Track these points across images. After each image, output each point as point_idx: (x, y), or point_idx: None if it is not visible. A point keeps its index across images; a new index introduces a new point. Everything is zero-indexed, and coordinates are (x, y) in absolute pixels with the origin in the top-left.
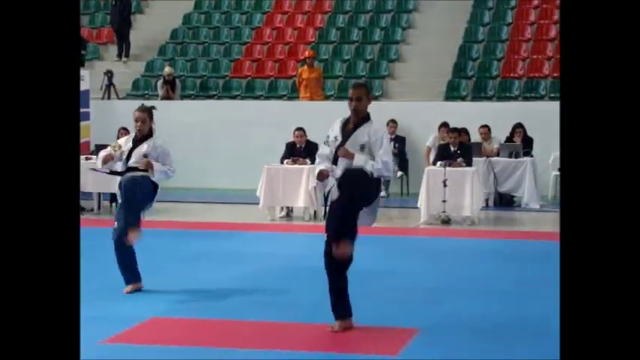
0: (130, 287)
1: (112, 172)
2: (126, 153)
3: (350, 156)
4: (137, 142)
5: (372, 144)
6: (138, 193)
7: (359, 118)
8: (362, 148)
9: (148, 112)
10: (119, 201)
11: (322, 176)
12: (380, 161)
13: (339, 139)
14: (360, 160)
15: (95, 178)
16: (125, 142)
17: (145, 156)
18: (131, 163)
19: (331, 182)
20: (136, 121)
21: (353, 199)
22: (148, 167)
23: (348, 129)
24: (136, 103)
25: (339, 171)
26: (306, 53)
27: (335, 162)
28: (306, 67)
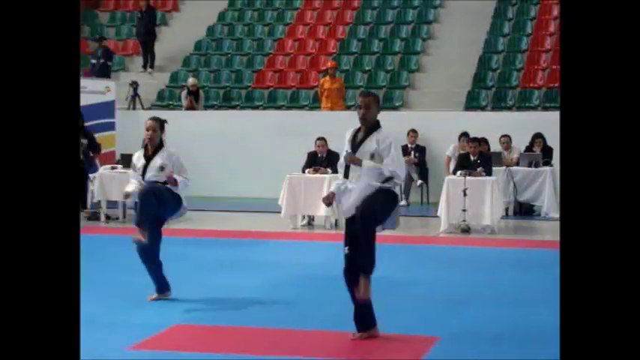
0: (155, 295)
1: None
2: (140, 169)
3: (357, 161)
4: (150, 156)
5: (380, 151)
6: (154, 201)
7: (368, 127)
8: (372, 157)
9: (160, 122)
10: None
11: (326, 202)
12: (387, 171)
13: (349, 150)
14: (368, 164)
15: (120, 187)
16: (137, 159)
17: (162, 168)
18: (149, 177)
19: (348, 199)
20: (147, 129)
21: (373, 228)
22: (172, 183)
23: (358, 139)
24: (161, 114)
25: (350, 185)
26: (328, 64)
27: (347, 171)
28: (327, 77)
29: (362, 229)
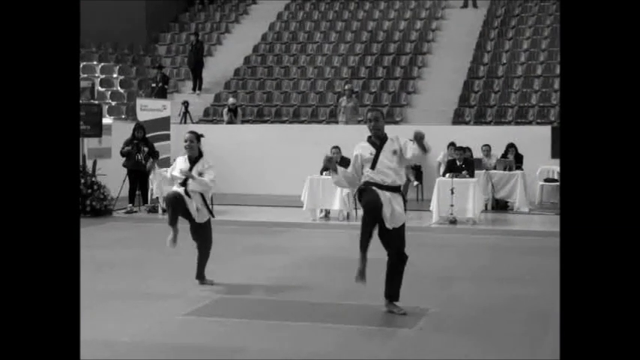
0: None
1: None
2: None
3: (422, 149)
4: (193, 162)
5: (403, 146)
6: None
7: (379, 137)
8: (394, 152)
9: (197, 136)
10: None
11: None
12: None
13: (374, 153)
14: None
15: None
16: (182, 162)
17: (200, 174)
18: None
19: (391, 211)
20: (185, 140)
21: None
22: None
23: (378, 144)
24: (208, 127)
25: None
26: (346, 87)
27: (374, 164)
28: (345, 97)
29: (401, 233)
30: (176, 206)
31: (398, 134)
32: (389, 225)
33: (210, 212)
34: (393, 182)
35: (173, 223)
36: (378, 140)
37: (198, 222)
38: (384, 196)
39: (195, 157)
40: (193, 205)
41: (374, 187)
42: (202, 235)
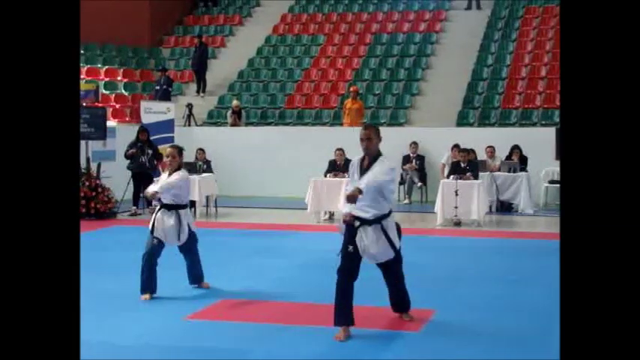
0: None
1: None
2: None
3: (353, 199)
4: (170, 174)
5: (385, 182)
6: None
7: (371, 157)
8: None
9: (178, 150)
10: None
11: (351, 199)
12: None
13: (357, 177)
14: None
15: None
16: (165, 176)
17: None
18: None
19: (376, 245)
20: (167, 156)
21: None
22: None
23: (364, 167)
24: (211, 129)
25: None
26: (351, 89)
27: (354, 201)
28: (350, 99)
29: (399, 266)
30: (153, 267)
31: (388, 157)
32: (371, 262)
33: (190, 232)
34: (374, 216)
35: (149, 288)
36: (367, 162)
37: (178, 245)
38: (367, 233)
39: (173, 171)
40: (168, 229)
41: (357, 231)
42: (188, 250)
